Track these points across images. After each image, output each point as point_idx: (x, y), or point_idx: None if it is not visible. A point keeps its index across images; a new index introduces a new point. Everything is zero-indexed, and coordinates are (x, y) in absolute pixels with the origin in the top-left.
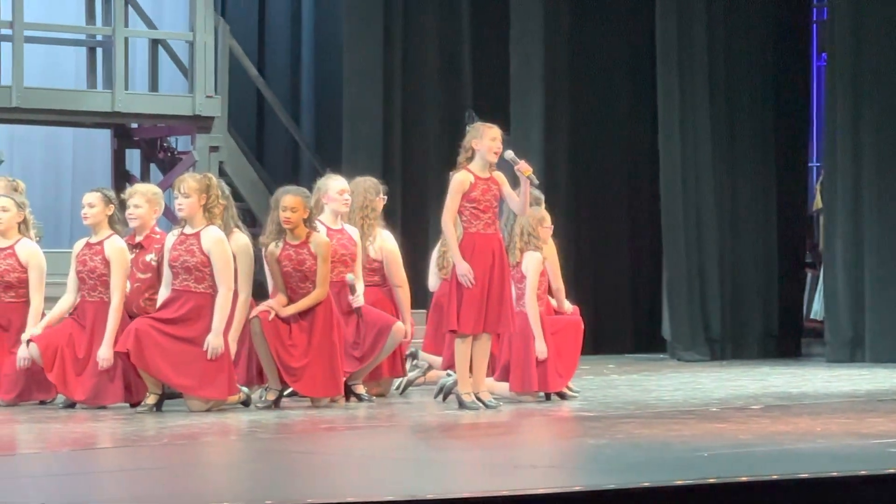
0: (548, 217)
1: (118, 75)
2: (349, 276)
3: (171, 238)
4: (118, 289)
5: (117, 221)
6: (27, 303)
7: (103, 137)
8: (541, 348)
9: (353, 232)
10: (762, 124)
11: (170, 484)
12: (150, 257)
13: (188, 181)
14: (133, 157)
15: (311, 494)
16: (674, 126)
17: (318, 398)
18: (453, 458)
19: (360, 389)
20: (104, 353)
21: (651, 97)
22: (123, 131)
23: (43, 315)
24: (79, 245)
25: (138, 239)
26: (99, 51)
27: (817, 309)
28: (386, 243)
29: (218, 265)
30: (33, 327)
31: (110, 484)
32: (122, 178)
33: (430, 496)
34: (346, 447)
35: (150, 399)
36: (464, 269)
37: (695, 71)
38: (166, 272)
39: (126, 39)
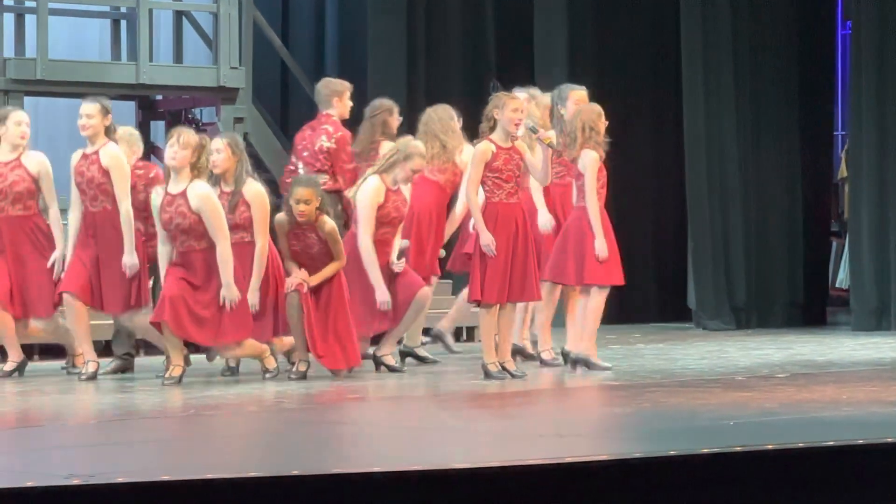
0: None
1: (143, 47)
2: (405, 242)
3: (156, 198)
4: (125, 196)
5: (114, 131)
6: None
7: (128, 109)
8: (600, 246)
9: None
10: (787, 93)
11: (196, 454)
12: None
13: (186, 134)
14: (158, 129)
15: (338, 465)
16: (698, 96)
17: (338, 370)
18: (479, 428)
19: (390, 360)
20: (128, 261)
21: (675, 67)
22: (148, 103)
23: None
24: (75, 157)
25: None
26: (123, 23)
27: (842, 277)
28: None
29: (211, 222)
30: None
31: (137, 455)
32: (146, 150)
33: (456, 465)
34: (374, 417)
35: (175, 371)
36: (487, 240)
37: (719, 40)
38: (161, 231)
39: (150, 11)
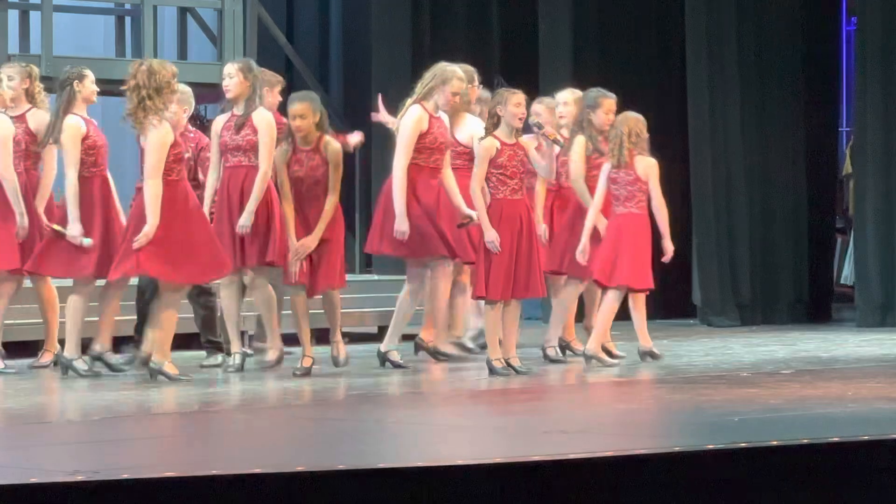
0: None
1: (147, 44)
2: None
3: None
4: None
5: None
6: None
7: None
8: (669, 248)
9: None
10: (792, 89)
11: (201, 451)
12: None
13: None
14: None
15: (344, 460)
16: (703, 93)
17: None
18: (484, 424)
19: (395, 356)
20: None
21: (680, 64)
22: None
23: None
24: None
25: None
26: (128, 19)
27: (847, 274)
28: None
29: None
30: None
31: (141, 451)
32: None
33: (460, 462)
34: (378, 415)
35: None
36: (491, 236)
37: (724, 37)
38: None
39: (154, 8)
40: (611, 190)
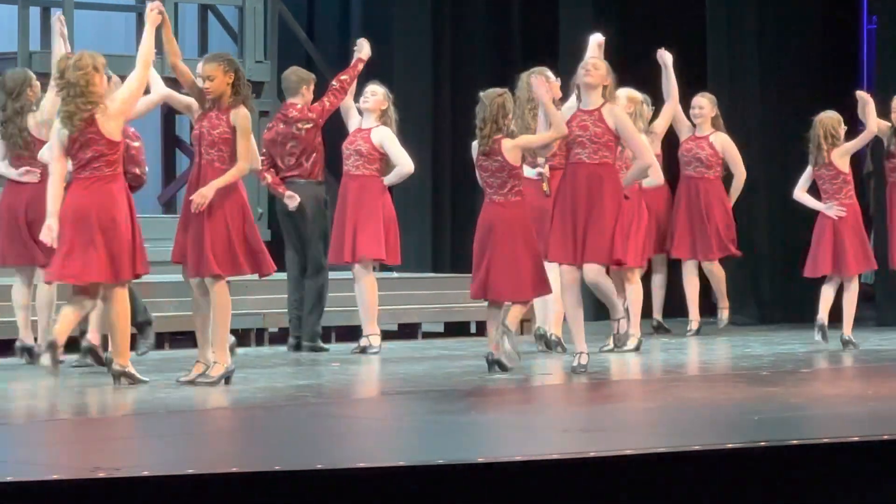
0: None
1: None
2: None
3: None
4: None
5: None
6: None
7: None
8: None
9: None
10: (812, 88)
11: (214, 449)
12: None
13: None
14: (183, 123)
15: (360, 459)
16: (724, 90)
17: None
18: (503, 421)
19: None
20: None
21: (700, 61)
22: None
23: None
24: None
25: None
26: None
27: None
28: None
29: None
30: None
31: (162, 449)
32: (171, 143)
33: (480, 459)
34: (393, 412)
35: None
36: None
37: (744, 35)
38: None
39: (175, 5)
40: (819, 188)
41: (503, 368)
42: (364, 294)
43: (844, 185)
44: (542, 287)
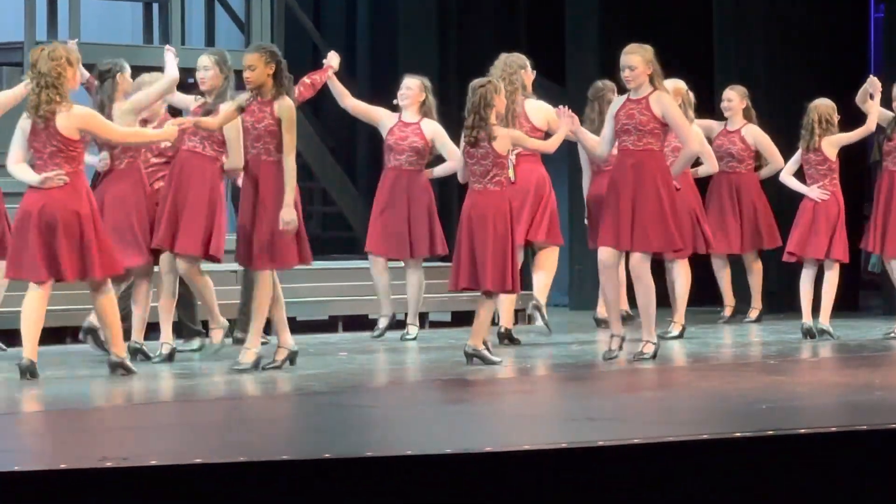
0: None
1: (174, 30)
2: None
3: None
4: None
5: None
6: None
7: None
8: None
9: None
10: (819, 77)
11: (226, 438)
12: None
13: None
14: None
15: (369, 447)
16: (730, 82)
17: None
18: (511, 411)
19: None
20: None
21: (707, 53)
22: (179, 86)
23: None
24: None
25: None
26: (155, 6)
27: (875, 261)
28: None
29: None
30: None
31: (169, 438)
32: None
33: (488, 449)
34: (401, 401)
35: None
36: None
37: (751, 25)
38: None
39: None
40: (805, 172)
41: (486, 362)
42: (417, 287)
43: (829, 173)
44: (503, 283)
